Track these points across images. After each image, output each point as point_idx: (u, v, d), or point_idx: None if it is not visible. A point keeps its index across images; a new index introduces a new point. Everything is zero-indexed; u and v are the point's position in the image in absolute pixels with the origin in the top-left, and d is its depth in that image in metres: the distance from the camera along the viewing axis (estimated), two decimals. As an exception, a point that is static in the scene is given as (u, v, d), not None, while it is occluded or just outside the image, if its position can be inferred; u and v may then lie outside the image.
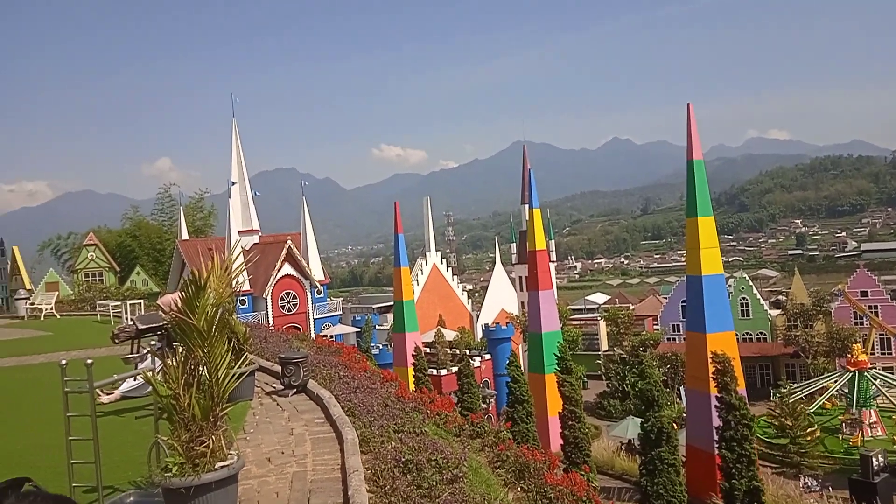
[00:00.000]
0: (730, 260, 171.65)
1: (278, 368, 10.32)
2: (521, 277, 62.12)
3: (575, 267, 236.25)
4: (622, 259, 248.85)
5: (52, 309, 26.41)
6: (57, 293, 31.00)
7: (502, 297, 65.26)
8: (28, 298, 27.99)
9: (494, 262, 70.43)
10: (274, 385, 10.33)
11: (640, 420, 23.15)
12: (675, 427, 23.86)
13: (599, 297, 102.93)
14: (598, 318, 66.63)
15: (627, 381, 47.37)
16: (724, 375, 19.76)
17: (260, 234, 45.84)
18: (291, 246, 42.56)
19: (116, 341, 9.47)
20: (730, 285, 56.69)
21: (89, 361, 5.21)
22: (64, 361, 5.39)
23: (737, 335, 26.29)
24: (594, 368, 59.07)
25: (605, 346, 61.82)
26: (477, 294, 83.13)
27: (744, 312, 57.85)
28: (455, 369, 39.42)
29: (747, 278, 60.78)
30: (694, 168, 24.41)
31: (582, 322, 70.47)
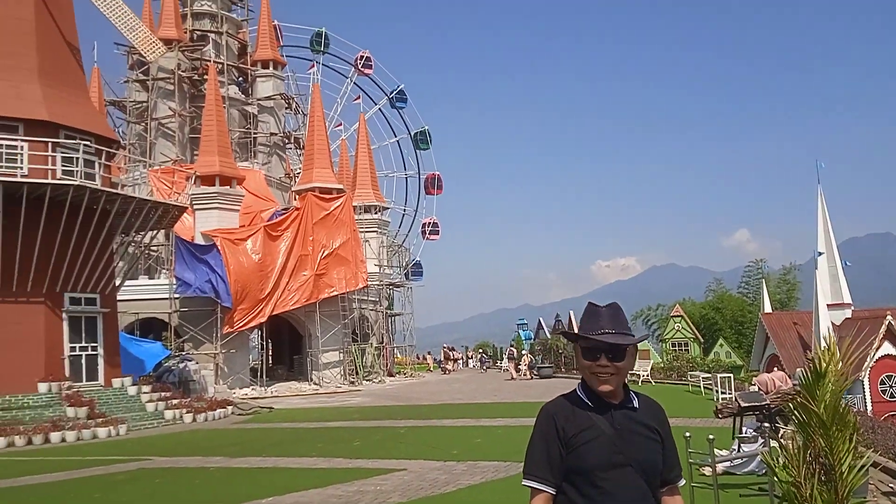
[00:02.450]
0: None
1: (894, 465, 9.14)
2: None
3: None
4: None
5: (647, 375, 28.99)
6: (650, 361, 33.81)
7: None
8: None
9: None
10: (890, 485, 9.15)
11: None
12: None
13: None
14: None
15: None
16: None
17: (852, 307, 41.49)
18: (892, 322, 37.24)
19: (720, 416, 9.86)
20: None
21: (711, 437, 5.60)
22: (688, 433, 5.93)
23: None
24: None
25: None
26: None
27: None
28: None
29: None
30: None
31: None
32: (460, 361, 54.19)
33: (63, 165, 21.08)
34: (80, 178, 20.85)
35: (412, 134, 60.66)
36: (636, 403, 2.74)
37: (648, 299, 70.46)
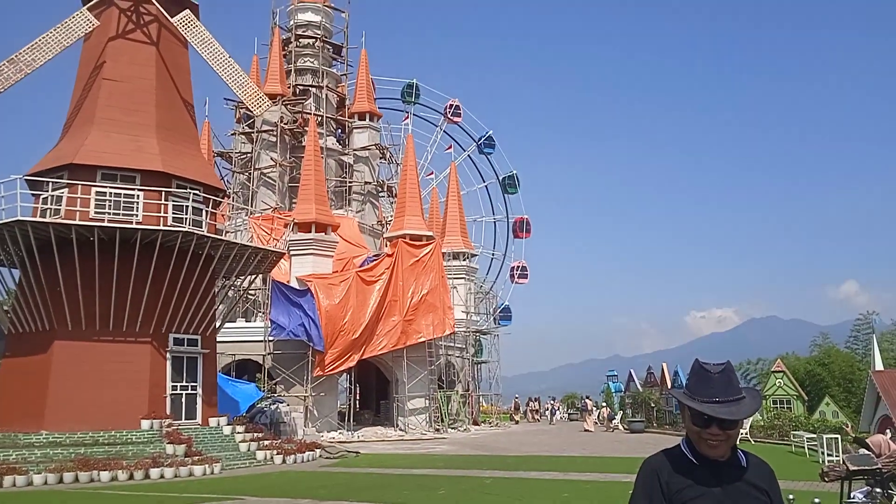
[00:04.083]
0: None
1: None
2: None
3: None
4: None
5: (746, 434, 27.58)
6: (750, 418, 32.14)
7: None
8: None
9: None
10: None
11: None
12: None
13: None
14: None
15: None
16: None
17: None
18: None
19: (826, 479, 9.28)
20: None
21: (816, 501, 5.32)
22: (791, 496, 5.63)
23: None
24: None
25: None
26: None
27: None
28: None
29: None
30: None
31: None
32: (547, 412, 53.02)
33: (173, 213, 22.48)
34: (189, 224, 22.14)
35: (500, 178, 61.07)
36: (744, 462, 2.68)
37: (747, 353, 67.24)
